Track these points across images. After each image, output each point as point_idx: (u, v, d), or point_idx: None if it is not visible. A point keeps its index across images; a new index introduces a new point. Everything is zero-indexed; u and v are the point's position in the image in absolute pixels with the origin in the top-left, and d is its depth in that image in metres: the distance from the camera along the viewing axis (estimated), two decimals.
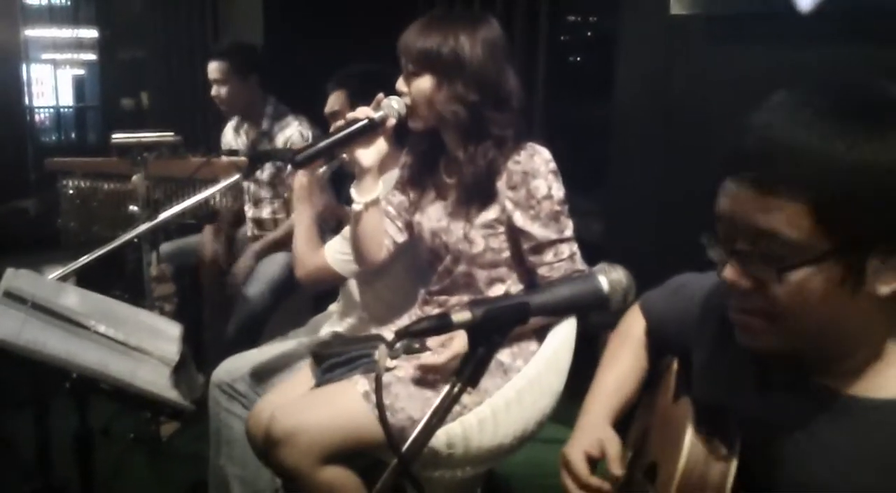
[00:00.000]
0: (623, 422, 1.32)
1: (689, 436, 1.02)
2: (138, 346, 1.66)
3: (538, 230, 1.78)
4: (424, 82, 1.79)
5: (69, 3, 7.30)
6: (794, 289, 0.88)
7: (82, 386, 1.52)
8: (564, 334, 1.89)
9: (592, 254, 1.86)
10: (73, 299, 1.73)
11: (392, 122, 1.82)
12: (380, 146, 1.84)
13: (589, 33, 4.55)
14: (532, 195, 1.77)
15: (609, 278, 0.97)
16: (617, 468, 1.19)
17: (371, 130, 1.81)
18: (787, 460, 0.98)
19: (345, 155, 2.16)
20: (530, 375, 1.82)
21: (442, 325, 0.92)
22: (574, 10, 4.22)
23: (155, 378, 1.59)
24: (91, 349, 1.56)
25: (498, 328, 0.94)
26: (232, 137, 3.45)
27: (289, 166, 3.03)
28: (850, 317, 0.91)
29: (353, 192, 1.88)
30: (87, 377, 1.49)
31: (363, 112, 1.82)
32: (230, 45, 3.39)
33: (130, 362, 1.60)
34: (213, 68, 3.26)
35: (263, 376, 2.12)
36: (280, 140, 3.23)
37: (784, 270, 0.88)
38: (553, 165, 1.81)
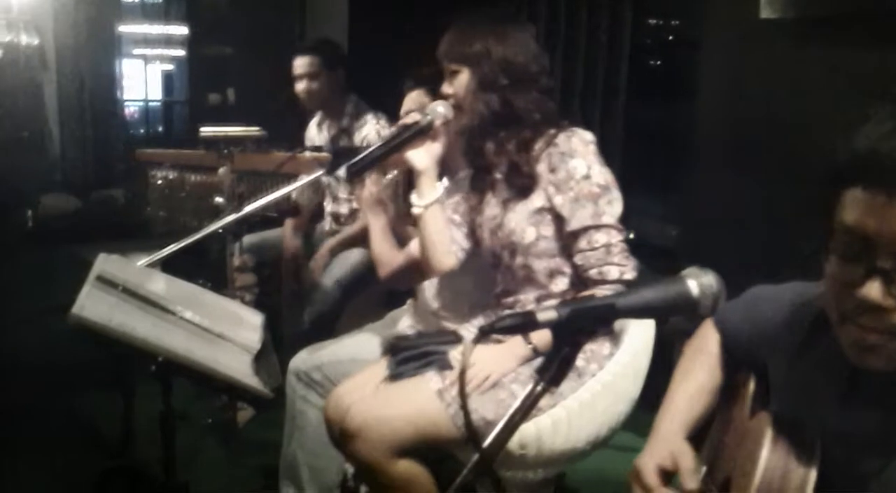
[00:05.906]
0: (696, 438, 1.28)
1: (766, 449, 0.99)
2: (222, 333, 1.70)
3: (572, 214, 1.77)
4: (462, 77, 1.88)
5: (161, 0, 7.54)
6: None
7: (167, 370, 1.57)
8: (643, 339, 1.86)
9: (667, 259, 1.82)
10: (161, 285, 1.78)
11: (438, 123, 1.87)
12: (431, 148, 1.88)
13: (671, 37, 4.48)
14: (571, 176, 1.77)
15: (700, 281, 0.94)
16: (691, 482, 1.16)
17: (420, 135, 1.87)
18: (878, 475, 0.94)
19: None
20: (606, 379, 1.80)
21: (527, 322, 0.92)
22: (656, 13, 4.17)
23: (237, 365, 1.63)
24: (177, 335, 1.61)
25: (583, 328, 0.93)
26: (315, 132, 3.50)
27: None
28: None
29: (413, 197, 1.91)
30: (172, 362, 1.54)
31: (412, 118, 1.90)
32: (318, 40, 3.45)
33: (214, 349, 1.64)
34: (303, 63, 3.30)
35: (339, 366, 2.14)
36: (357, 138, 3.27)
37: None
38: (594, 147, 1.81)
